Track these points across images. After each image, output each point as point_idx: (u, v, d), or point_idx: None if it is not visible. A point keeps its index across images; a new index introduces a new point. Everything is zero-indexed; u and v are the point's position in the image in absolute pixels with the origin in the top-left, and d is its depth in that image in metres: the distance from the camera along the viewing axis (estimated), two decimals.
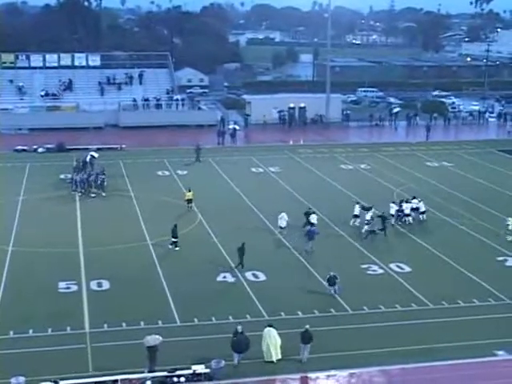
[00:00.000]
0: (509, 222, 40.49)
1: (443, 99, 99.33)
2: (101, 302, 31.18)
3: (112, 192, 49.05)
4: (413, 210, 43.07)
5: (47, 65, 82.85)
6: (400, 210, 42.73)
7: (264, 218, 43.24)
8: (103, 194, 48.44)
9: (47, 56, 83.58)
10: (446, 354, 26.69)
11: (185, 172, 55.52)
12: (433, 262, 36.64)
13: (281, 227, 39.96)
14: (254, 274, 34.31)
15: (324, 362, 25.97)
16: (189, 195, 45.22)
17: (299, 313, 30.14)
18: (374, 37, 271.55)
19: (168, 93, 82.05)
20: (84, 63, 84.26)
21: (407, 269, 35.56)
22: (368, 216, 40.81)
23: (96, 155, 54.74)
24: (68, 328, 28.47)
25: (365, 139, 72.58)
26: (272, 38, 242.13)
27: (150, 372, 24.73)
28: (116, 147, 63.74)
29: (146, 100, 78.91)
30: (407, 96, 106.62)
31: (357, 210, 42.24)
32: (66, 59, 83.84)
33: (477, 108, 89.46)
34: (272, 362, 25.86)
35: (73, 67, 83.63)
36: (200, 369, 24.89)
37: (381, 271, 35.28)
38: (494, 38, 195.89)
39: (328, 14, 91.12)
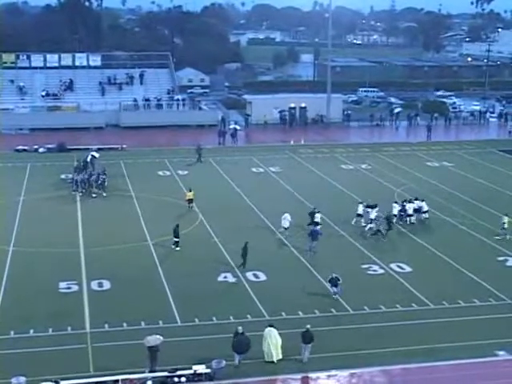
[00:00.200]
0: (504, 221, 40.53)
1: (444, 99, 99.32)
2: (101, 302, 31.18)
3: (113, 192, 49.05)
4: (415, 210, 43.09)
5: (48, 65, 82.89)
6: (402, 210, 42.73)
7: (264, 218, 43.25)
8: (104, 194, 48.44)
9: (48, 56, 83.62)
10: (447, 354, 26.70)
11: (185, 172, 55.52)
12: (433, 262, 36.64)
13: (284, 228, 40.00)
14: (254, 274, 34.31)
15: (325, 362, 25.98)
16: (189, 195, 45.24)
17: (300, 313, 30.14)
18: (375, 37, 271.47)
19: (169, 93, 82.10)
20: (85, 63, 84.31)
21: (408, 269, 35.56)
22: (372, 215, 40.91)
23: (97, 155, 54.73)
24: (69, 328, 28.48)
25: (365, 139, 72.57)
26: (273, 37, 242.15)
27: (150, 372, 24.74)
28: (117, 147, 63.73)
29: (147, 100, 78.94)
30: (408, 96, 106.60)
31: (360, 209, 42.26)
32: (66, 59, 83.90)
33: (477, 108, 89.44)
34: (273, 362, 25.88)
35: (73, 67, 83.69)
36: (201, 369, 24.90)
37: (381, 271, 35.28)
38: (495, 37, 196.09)
39: (329, 13, 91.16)
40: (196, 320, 29.37)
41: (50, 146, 62.94)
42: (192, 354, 26.17)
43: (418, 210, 43.17)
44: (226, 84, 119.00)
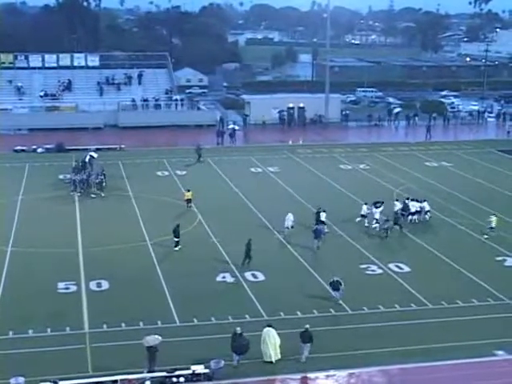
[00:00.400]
0: (492, 219, 40.60)
1: (442, 99, 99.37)
2: (100, 302, 31.18)
3: (111, 192, 49.04)
4: (416, 212, 43.10)
5: (46, 65, 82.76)
6: (403, 209, 42.69)
7: (263, 218, 43.26)
8: (102, 195, 48.43)
9: (46, 56, 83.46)
10: (446, 353, 26.71)
11: (184, 172, 55.51)
12: (432, 262, 36.65)
13: (287, 228, 40.02)
14: (253, 274, 34.32)
15: (323, 362, 25.99)
16: (188, 195, 45.26)
17: (298, 313, 30.15)
18: (373, 37, 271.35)
19: (167, 93, 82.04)
20: (83, 63, 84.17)
21: (406, 269, 35.57)
22: (377, 215, 40.95)
23: (95, 155, 54.68)
24: (67, 328, 28.48)
25: (364, 139, 72.58)
26: (271, 37, 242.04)
27: (149, 372, 24.74)
28: (115, 147, 63.71)
29: (145, 100, 78.90)
30: (406, 96, 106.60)
31: (364, 210, 42.27)
32: (65, 59, 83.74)
33: (476, 108, 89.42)
34: (271, 362, 25.88)
35: (72, 67, 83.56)
36: (199, 369, 24.90)
37: (380, 271, 35.29)
38: (493, 38, 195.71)
39: (327, 14, 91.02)
40: (195, 320, 29.38)
41: (48, 146, 62.91)
42: (191, 354, 26.18)
43: (419, 212, 43.15)
44: (225, 84, 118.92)
